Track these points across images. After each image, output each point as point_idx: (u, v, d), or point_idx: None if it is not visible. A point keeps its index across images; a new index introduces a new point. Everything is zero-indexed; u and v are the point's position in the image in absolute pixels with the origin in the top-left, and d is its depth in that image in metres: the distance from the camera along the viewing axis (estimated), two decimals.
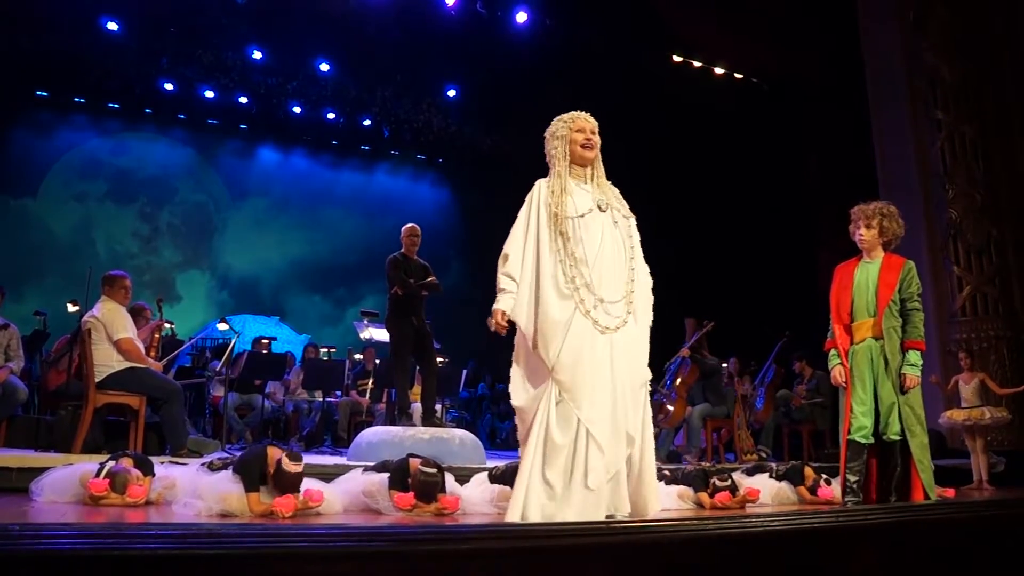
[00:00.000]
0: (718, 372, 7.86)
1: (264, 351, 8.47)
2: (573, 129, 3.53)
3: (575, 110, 3.59)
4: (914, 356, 4.30)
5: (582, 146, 3.50)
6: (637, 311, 3.40)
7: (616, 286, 3.35)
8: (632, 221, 3.55)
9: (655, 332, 3.50)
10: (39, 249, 11.20)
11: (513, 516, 3.10)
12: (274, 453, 3.68)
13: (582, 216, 3.38)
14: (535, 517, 3.08)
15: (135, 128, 12.25)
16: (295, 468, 3.63)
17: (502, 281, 3.42)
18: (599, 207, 3.42)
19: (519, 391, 3.33)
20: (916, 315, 4.36)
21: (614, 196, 3.55)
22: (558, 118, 3.60)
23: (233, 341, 6.83)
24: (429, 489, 3.87)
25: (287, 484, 3.61)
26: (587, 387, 3.19)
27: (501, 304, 3.39)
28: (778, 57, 11.41)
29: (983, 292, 8.71)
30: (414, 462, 4.00)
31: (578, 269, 3.31)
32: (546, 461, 3.14)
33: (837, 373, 4.47)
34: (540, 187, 3.49)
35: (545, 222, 3.38)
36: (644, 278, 3.52)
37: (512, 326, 3.42)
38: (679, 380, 7.61)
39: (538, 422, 3.19)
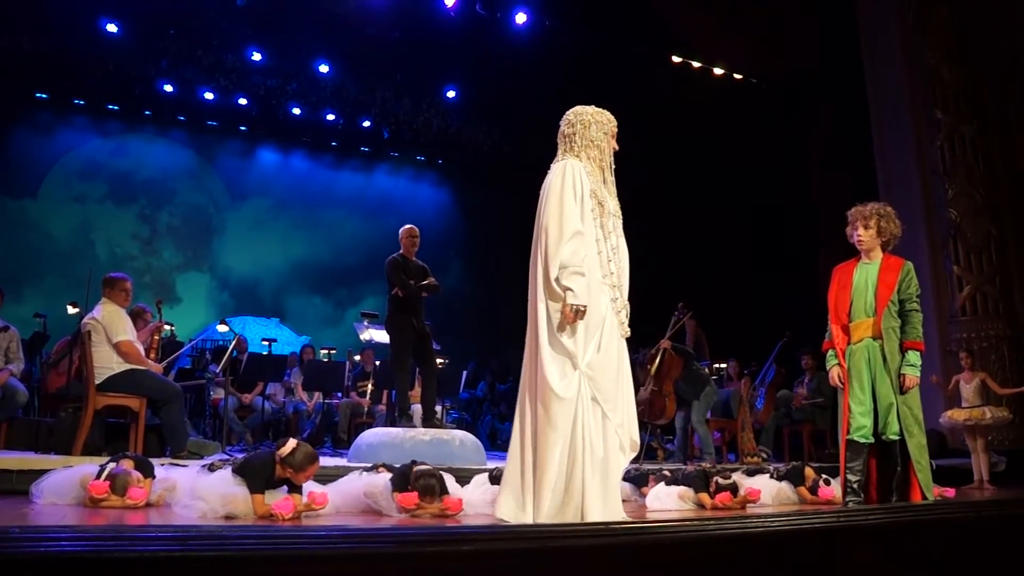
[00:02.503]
0: (693, 358, 7.76)
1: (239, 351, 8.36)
2: (613, 132, 3.51)
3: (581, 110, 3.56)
4: (913, 356, 4.30)
5: (614, 150, 3.50)
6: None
7: (624, 289, 3.36)
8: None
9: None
10: (39, 251, 11.18)
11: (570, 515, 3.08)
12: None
13: (615, 216, 3.39)
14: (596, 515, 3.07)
15: (135, 130, 12.23)
16: (295, 447, 3.66)
17: (581, 265, 3.18)
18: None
19: (555, 378, 3.12)
20: (915, 316, 4.37)
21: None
22: (595, 109, 3.51)
23: (232, 344, 6.83)
24: (430, 491, 3.87)
25: (300, 464, 3.62)
26: (614, 391, 3.19)
27: (584, 298, 3.12)
28: (778, 57, 11.41)
29: (983, 291, 8.72)
30: (415, 468, 4.01)
31: (612, 267, 3.30)
32: (592, 466, 3.11)
33: (835, 374, 4.49)
34: (578, 170, 3.33)
35: (589, 209, 3.29)
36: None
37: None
38: (665, 374, 7.53)
39: (580, 423, 3.12)
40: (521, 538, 2.62)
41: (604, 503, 3.09)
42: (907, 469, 4.28)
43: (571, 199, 3.25)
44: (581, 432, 3.12)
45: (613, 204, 3.42)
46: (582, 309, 3.12)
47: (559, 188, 3.28)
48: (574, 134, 3.45)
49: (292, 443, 3.67)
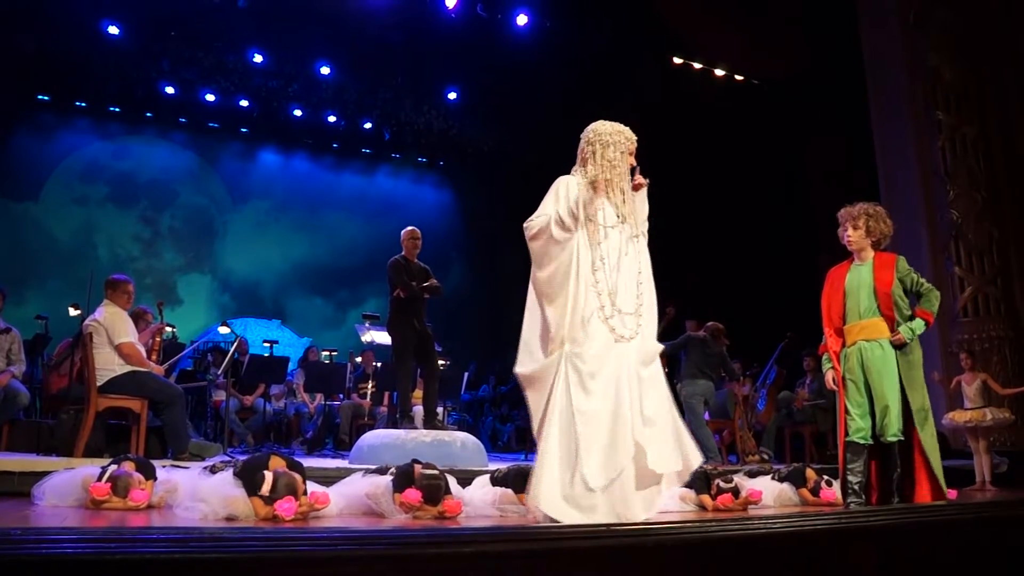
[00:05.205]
0: (685, 346, 7.57)
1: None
2: (631, 150, 3.54)
3: (589, 115, 3.62)
4: (917, 323, 4.34)
5: (632, 166, 3.54)
6: (645, 328, 3.42)
7: (629, 299, 3.39)
8: (644, 240, 3.56)
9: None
10: (40, 253, 11.18)
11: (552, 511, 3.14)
12: (277, 462, 3.67)
13: (612, 227, 3.41)
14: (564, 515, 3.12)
15: (136, 132, 12.24)
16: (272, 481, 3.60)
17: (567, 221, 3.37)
18: (620, 219, 3.45)
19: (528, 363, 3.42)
20: (932, 293, 4.42)
21: (637, 209, 3.55)
22: (613, 128, 3.56)
23: (233, 346, 6.83)
24: (434, 492, 3.87)
25: (283, 489, 3.59)
26: (600, 369, 3.27)
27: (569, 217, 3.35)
28: (778, 58, 11.41)
29: (985, 293, 8.72)
30: (417, 467, 4.00)
31: (602, 274, 3.33)
32: (566, 454, 3.19)
33: (830, 377, 4.51)
34: (573, 185, 3.45)
35: (582, 221, 3.39)
36: (652, 297, 3.52)
37: None
38: None
39: (558, 411, 3.26)
40: (522, 539, 2.62)
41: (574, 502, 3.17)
42: (908, 470, 4.28)
43: (551, 202, 3.43)
44: (554, 422, 3.25)
45: (614, 214, 3.45)
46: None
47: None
48: (594, 153, 3.51)
49: (269, 478, 3.54)
